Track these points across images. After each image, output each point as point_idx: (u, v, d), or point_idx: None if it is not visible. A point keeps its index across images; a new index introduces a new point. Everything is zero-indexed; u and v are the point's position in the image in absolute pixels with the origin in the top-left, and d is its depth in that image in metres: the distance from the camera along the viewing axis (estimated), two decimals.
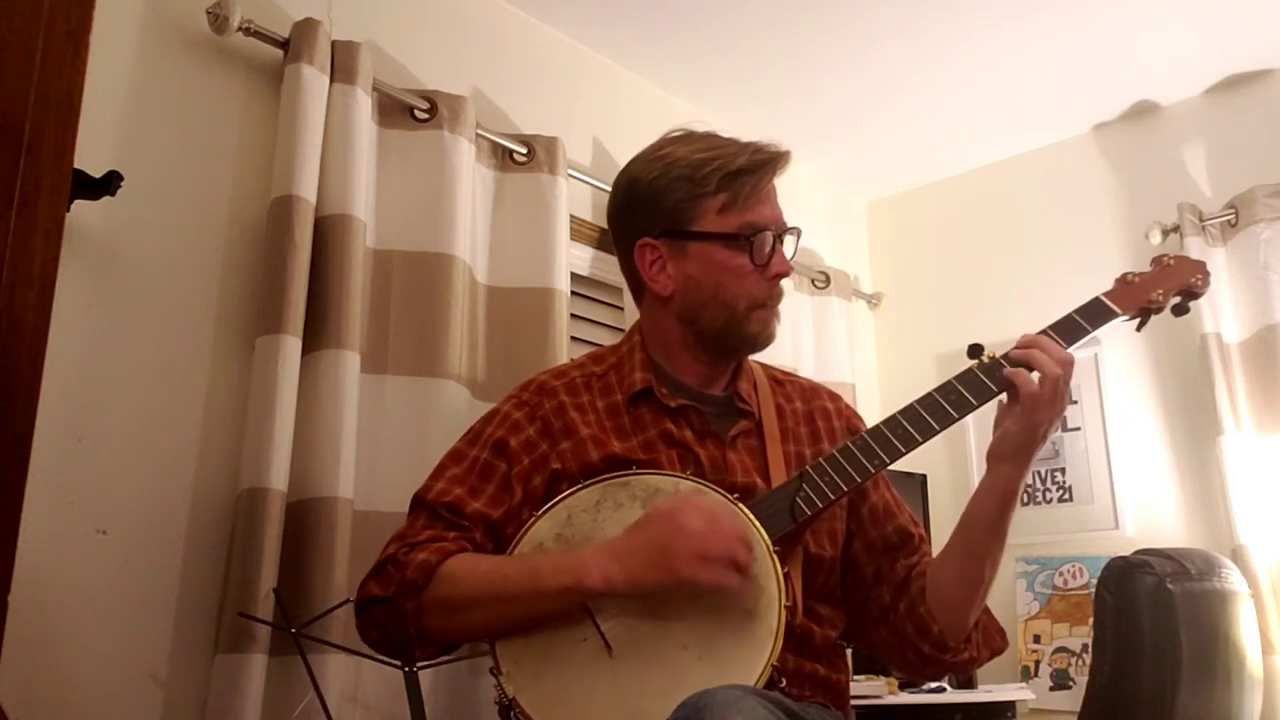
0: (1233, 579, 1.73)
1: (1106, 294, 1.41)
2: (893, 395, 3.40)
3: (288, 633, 1.69)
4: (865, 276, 3.60)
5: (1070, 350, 1.33)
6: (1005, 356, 1.33)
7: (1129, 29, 2.70)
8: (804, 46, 2.77)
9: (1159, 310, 1.43)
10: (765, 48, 2.77)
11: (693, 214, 1.38)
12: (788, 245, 1.42)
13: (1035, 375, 1.29)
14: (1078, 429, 3.07)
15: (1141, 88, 3.01)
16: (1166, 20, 2.66)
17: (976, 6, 2.60)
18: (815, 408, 1.51)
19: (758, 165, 1.37)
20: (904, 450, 1.30)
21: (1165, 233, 2.87)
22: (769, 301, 1.40)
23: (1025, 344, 1.31)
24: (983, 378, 1.32)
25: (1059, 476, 3.08)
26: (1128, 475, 2.98)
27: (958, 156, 3.39)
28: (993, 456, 1.33)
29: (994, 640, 1.43)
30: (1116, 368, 3.03)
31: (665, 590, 1.17)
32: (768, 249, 1.38)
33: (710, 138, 1.42)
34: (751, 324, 1.39)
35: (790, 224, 1.43)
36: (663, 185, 1.39)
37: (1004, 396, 1.32)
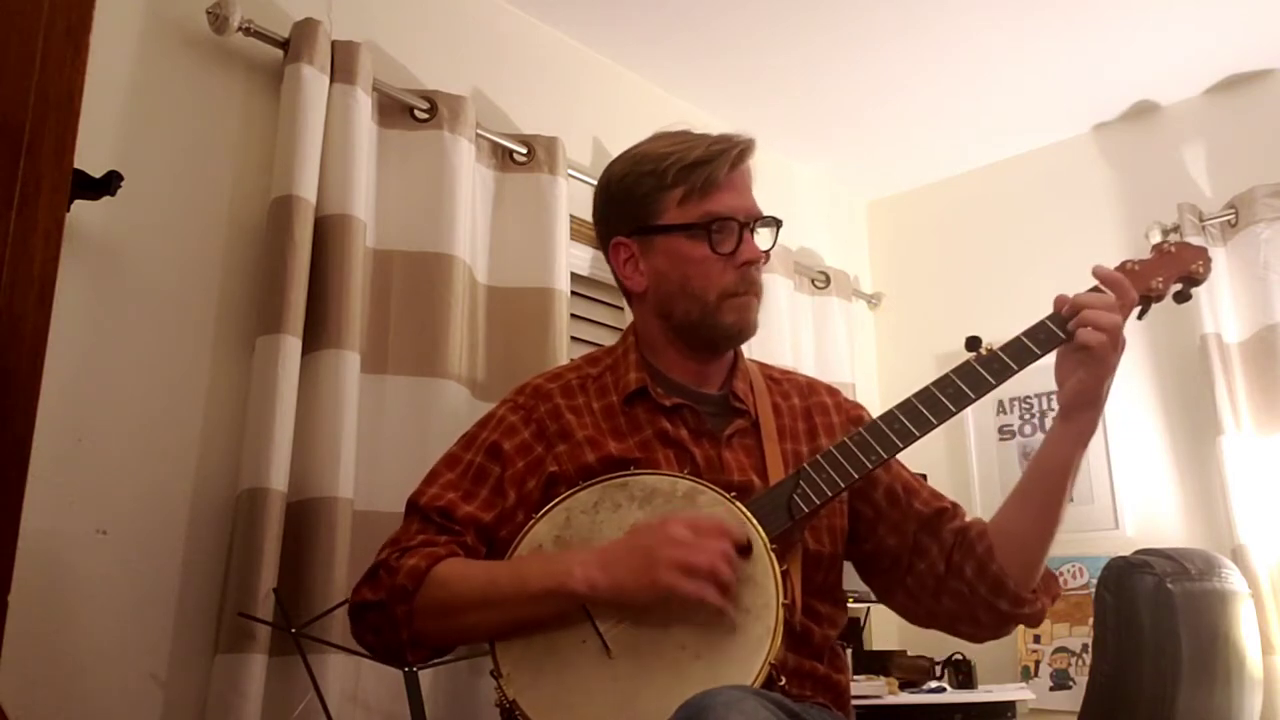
0: (1233, 579, 1.73)
1: None
2: (893, 395, 3.36)
3: (288, 633, 1.69)
4: (865, 276, 3.60)
5: (1067, 340, 1.34)
6: (1000, 350, 1.33)
7: (1129, 29, 2.70)
8: (804, 46, 2.77)
9: (1160, 298, 1.42)
10: (765, 48, 2.77)
11: (655, 208, 1.39)
12: (763, 235, 1.42)
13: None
14: None
15: (1141, 88, 3.01)
16: (1166, 20, 2.66)
17: (976, 6, 2.60)
18: (813, 404, 1.50)
19: (714, 155, 1.37)
20: (901, 445, 1.30)
21: (1165, 233, 2.87)
22: (741, 290, 1.39)
23: (1067, 306, 1.33)
24: (981, 371, 1.32)
25: None
26: (1128, 475, 2.98)
27: (958, 156, 3.39)
28: (1071, 408, 1.34)
29: (1053, 587, 1.45)
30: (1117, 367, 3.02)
31: (647, 598, 1.16)
32: (732, 238, 1.37)
33: (679, 134, 1.43)
34: (725, 314, 1.38)
35: (767, 215, 1.42)
36: (630, 183, 1.41)
37: (1054, 355, 1.34)
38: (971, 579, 1.38)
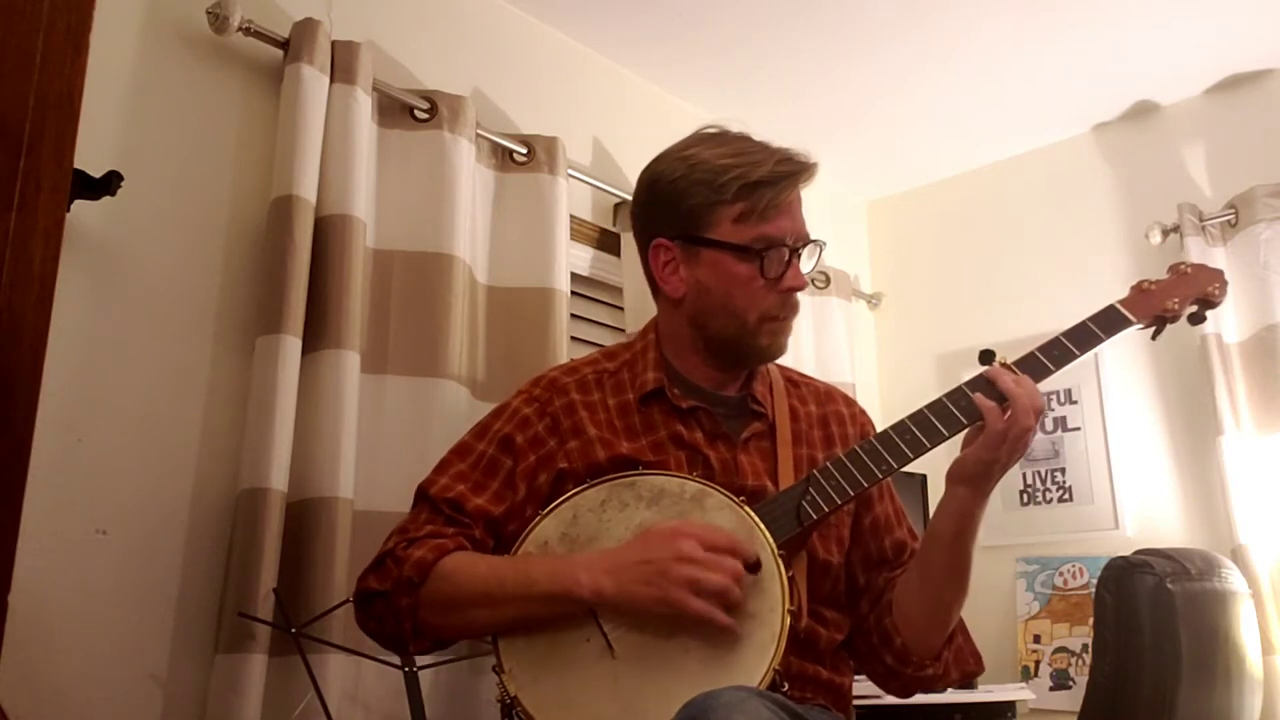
0: (1233, 579, 1.73)
1: (1121, 302, 1.40)
2: (893, 395, 3.40)
3: (288, 633, 1.69)
4: (865, 276, 3.60)
5: (1084, 356, 1.33)
6: (1015, 365, 1.33)
7: (1129, 29, 2.70)
8: (804, 46, 2.76)
9: (1175, 319, 1.42)
10: (765, 48, 2.77)
11: (708, 220, 1.36)
12: (806, 258, 1.40)
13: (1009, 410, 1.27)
14: (1078, 429, 3.07)
15: (1141, 88, 3.01)
16: (1166, 20, 2.66)
17: (976, 7, 2.60)
18: (830, 412, 1.50)
19: (779, 177, 1.34)
20: (912, 456, 1.30)
21: (1165, 233, 2.87)
22: (781, 314, 1.39)
23: (1007, 386, 1.28)
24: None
25: (1059, 476, 3.08)
26: (1128, 475, 2.98)
27: (958, 156, 3.39)
28: (949, 478, 1.32)
29: (966, 663, 1.42)
30: (1116, 368, 3.03)
31: (654, 611, 1.17)
32: (781, 263, 1.36)
33: (739, 141, 1.39)
34: (762, 336, 1.38)
35: (815, 238, 1.40)
36: (683, 187, 1.36)
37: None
38: (872, 627, 1.41)
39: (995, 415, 1.27)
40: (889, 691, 1.47)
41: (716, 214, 1.35)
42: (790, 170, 1.35)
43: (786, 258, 1.36)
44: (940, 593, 1.35)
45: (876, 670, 1.45)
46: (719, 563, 1.16)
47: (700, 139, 1.41)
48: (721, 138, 1.40)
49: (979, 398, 1.28)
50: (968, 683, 1.46)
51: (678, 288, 1.40)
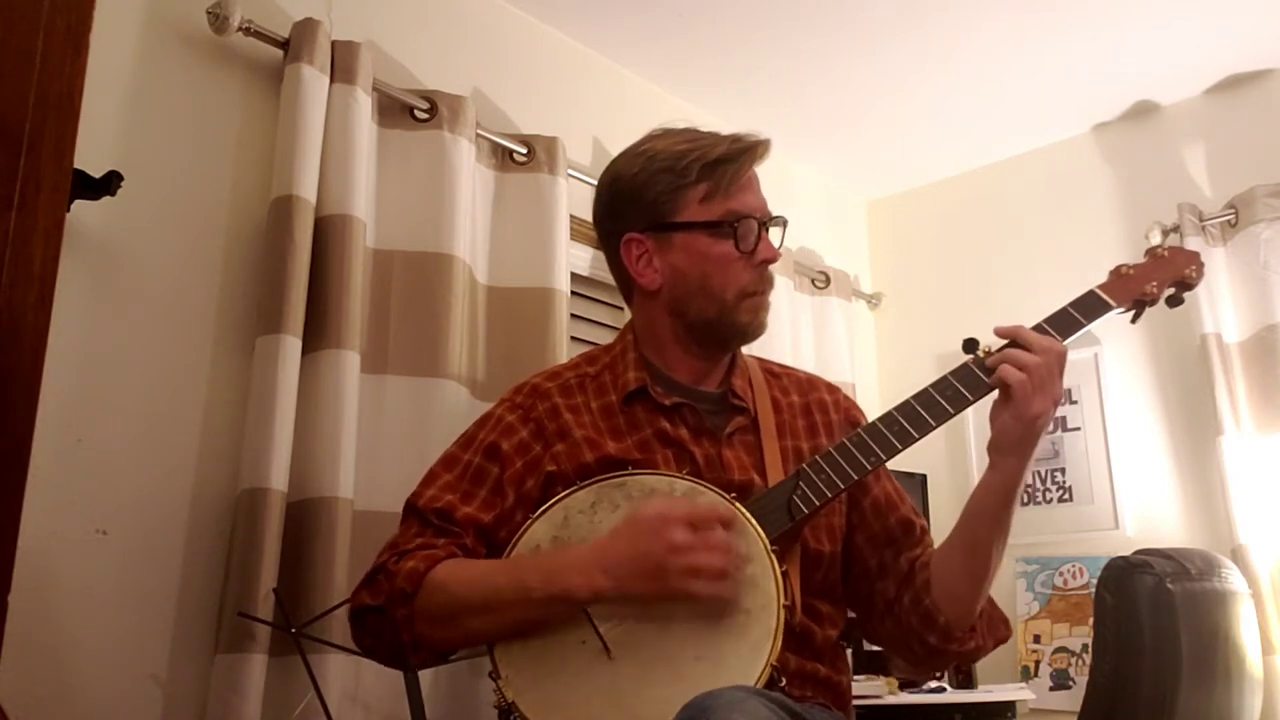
0: (1233, 579, 1.73)
1: (1100, 286, 1.41)
2: (893, 395, 3.36)
3: (288, 633, 1.69)
4: (865, 276, 3.60)
5: (1066, 343, 1.33)
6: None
7: (1129, 29, 2.70)
8: (804, 46, 2.77)
9: (1153, 302, 1.42)
10: (765, 48, 2.77)
11: (675, 205, 1.38)
12: (774, 234, 1.42)
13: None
14: (1078, 429, 3.07)
15: (1141, 88, 3.01)
16: (1166, 20, 2.66)
17: (976, 6, 2.60)
18: (812, 400, 1.50)
19: (737, 153, 1.37)
20: (900, 447, 1.30)
21: (1165, 233, 2.87)
22: (759, 289, 1.40)
23: (1004, 336, 1.31)
24: (978, 372, 1.32)
25: (1059, 476, 3.08)
26: (1128, 475, 2.98)
27: (958, 156, 3.39)
28: (993, 450, 1.32)
29: (998, 629, 1.42)
30: (1116, 368, 3.03)
31: (655, 600, 1.17)
32: (752, 235, 1.37)
33: (689, 131, 1.43)
34: (742, 314, 1.39)
35: (777, 214, 1.42)
36: (645, 179, 1.39)
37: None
38: (908, 609, 1.39)
39: (1011, 372, 1.26)
40: (930, 669, 1.46)
41: (683, 197, 1.38)
42: (746, 146, 1.39)
43: (756, 230, 1.38)
44: (988, 564, 1.34)
45: (916, 653, 1.42)
46: (711, 543, 1.16)
47: (650, 137, 1.44)
48: (670, 132, 1.44)
49: (994, 358, 1.28)
50: (998, 646, 1.45)
51: (653, 279, 1.41)
